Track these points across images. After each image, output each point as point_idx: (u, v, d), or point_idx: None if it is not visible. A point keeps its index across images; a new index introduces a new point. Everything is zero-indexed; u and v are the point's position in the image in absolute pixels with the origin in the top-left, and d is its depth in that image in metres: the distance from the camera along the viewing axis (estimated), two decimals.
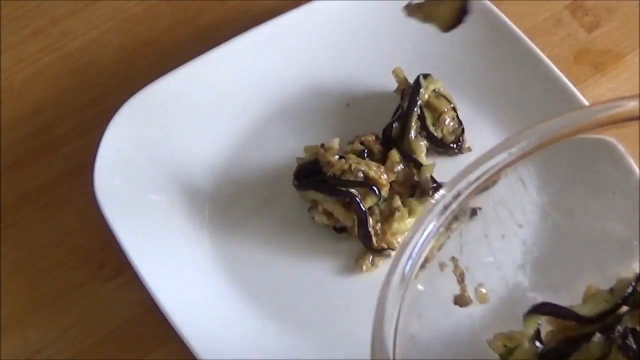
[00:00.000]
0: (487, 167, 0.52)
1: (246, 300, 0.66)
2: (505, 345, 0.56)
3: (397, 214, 0.67)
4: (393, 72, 0.72)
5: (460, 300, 0.55)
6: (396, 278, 0.49)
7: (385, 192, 0.67)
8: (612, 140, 0.54)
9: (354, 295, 0.67)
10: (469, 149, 0.71)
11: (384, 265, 0.68)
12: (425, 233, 0.50)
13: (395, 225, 0.67)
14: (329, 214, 0.68)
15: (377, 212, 0.67)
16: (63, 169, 0.72)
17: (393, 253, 0.68)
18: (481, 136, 0.72)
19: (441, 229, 0.50)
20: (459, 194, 0.51)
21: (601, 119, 0.52)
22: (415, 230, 0.50)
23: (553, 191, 0.56)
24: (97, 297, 0.68)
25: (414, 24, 0.74)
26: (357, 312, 0.66)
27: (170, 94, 0.71)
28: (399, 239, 0.67)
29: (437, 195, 0.51)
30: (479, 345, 0.56)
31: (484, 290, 0.56)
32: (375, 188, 0.67)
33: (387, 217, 0.67)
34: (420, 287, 0.50)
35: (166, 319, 0.63)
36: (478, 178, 0.51)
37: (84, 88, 0.76)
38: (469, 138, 0.71)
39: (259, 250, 0.69)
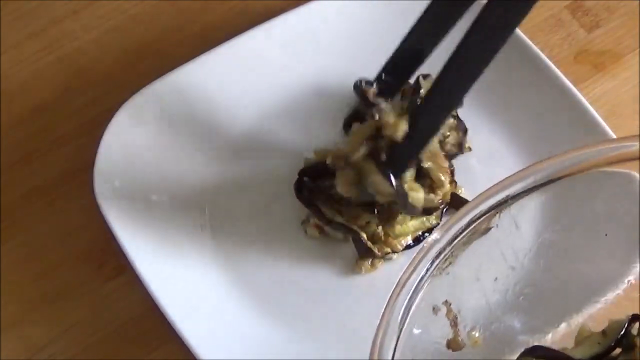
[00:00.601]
0: (481, 210, 0.51)
1: (246, 300, 0.66)
2: None
3: (399, 217, 0.67)
4: None
5: (453, 344, 0.54)
6: (392, 323, 0.48)
7: None
8: (631, 172, 0.53)
9: (353, 296, 0.67)
10: (469, 149, 0.71)
11: (383, 266, 0.68)
12: (419, 277, 0.49)
13: (398, 228, 0.67)
14: (320, 228, 0.68)
15: (375, 213, 0.67)
16: (63, 169, 0.72)
17: (395, 256, 0.68)
18: (481, 136, 0.72)
19: (435, 272, 0.50)
20: (453, 239, 0.50)
21: (599, 160, 0.52)
22: (409, 275, 0.49)
23: (548, 232, 0.56)
24: (98, 296, 0.68)
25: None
26: (356, 313, 0.66)
27: (170, 94, 0.71)
28: (403, 242, 0.67)
29: (430, 239, 0.50)
30: None
31: (476, 334, 0.55)
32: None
33: (388, 219, 0.67)
34: (415, 330, 0.50)
35: (166, 319, 0.63)
36: (472, 221, 0.51)
37: (84, 88, 0.76)
38: (469, 138, 0.71)
39: (259, 250, 0.69)
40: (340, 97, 0.73)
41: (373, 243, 0.67)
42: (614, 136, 0.69)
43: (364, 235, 0.66)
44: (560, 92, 0.70)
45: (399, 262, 0.68)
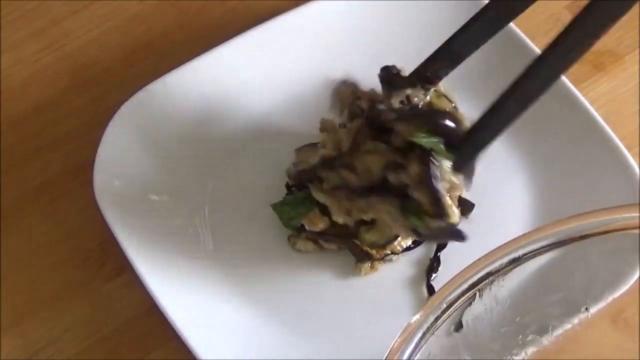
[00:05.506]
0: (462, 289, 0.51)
1: (246, 301, 0.67)
2: None
3: None
4: None
5: None
6: None
7: None
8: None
9: (354, 297, 0.67)
10: None
11: (383, 267, 0.68)
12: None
13: None
14: (314, 241, 0.68)
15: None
16: (63, 169, 0.72)
17: (395, 257, 0.68)
18: None
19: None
20: (436, 320, 0.50)
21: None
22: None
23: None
24: (97, 297, 0.68)
25: (414, 24, 0.75)
26: (357, 314, 0.66)
27: (170, 94, 0.71)
28: (403, 244, 0.67)
29: (413, 319, 0.50)
30: None
31: None
32: None
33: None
34: None
35: (166, 319, 0.63)
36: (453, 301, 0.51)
37: (84, 88, 0.76)
38: None
39: (259, 250, 0.69)
40: None
41: (372, 246, 0.67)
42: (614, 136, 0.68)
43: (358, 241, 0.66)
44: (560, 92, 0.70)
45: (399, 263, 0.68)
